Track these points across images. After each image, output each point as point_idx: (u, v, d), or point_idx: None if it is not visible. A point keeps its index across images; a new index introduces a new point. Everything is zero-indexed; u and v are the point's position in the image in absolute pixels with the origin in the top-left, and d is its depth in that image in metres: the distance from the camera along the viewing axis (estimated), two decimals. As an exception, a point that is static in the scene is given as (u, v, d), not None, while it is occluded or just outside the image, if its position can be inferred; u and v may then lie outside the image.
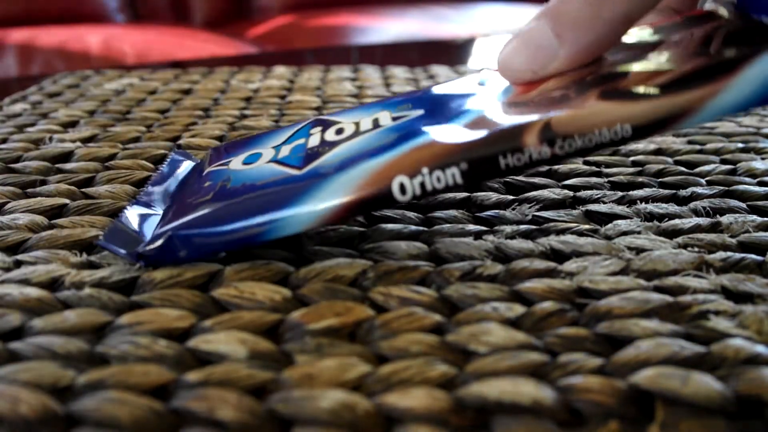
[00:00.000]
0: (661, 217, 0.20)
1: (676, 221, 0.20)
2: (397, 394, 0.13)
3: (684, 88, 0.16)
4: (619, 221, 0.20)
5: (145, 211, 0.20)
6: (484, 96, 0.20)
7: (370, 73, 0.45)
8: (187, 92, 0.39)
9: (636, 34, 0.21)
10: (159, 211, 0.20)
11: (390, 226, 0.20)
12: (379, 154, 0.17)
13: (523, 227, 0.20)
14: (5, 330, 0.15)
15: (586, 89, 0.17)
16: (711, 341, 0.14)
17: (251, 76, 0.43)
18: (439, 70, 0.47)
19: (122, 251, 0.18)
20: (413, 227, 0.20)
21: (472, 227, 0.20)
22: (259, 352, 0.14)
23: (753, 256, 0.18)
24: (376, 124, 0.19)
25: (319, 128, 0.21)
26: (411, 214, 0.21)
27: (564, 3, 0.19)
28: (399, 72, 0.45)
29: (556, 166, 0.25)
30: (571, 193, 0.22)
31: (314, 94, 0.38)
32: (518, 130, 0.17)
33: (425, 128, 0.18)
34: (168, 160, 0.23)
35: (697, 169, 0.25)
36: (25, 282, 0.17)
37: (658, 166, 0.25)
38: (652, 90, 0.16)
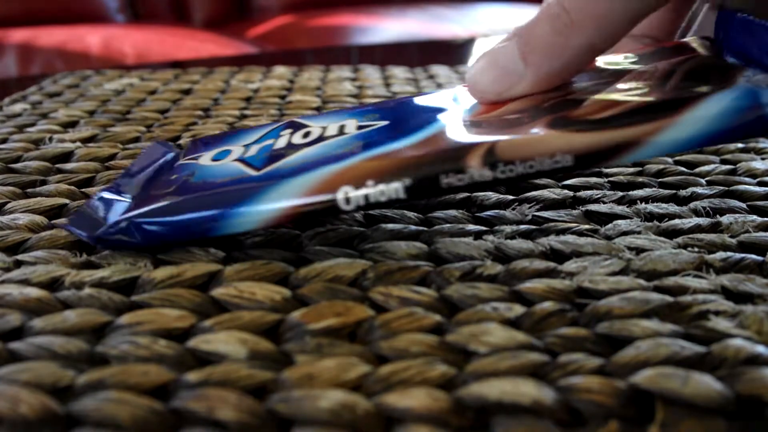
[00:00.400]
0: (661, 217, 0.20)
1: (676, 221, 0.20)
2: (397, 394, 0.13)
3: (628, 123, 0.16)
4: (619, 221, 0.20)
5: (114, 197, 0.20)
6: (450, 112, 0.20)
7: (370, 73, 0.44)
8: (187, 92, 0.39)
9: (607, 62, 0.21)
10: (128, 198, 0.20)
11: (390, 226, 0.20)
12: (331, 163, 0.18)
13: (523, 227, 0.20)
14: (5, 330, 0.15)
15: (539, 115, 0.18)
16: (711, 341, 0.14)
17: (251, 76, 0.43)
18: (439, 70, 0.47)
19: (84, 234, 0.18)
20: (413, 227, 0.20)
21: (472, 227, 0.20)
22: (259, 352, 0.14)
23: (753, 256, 0.18)
24: (341, 131, 0.20)
25: (290, 130, 0.21)
26: (411, 214, 0.21)
27: (534, 27, 0.19)
28: (399, 72, 0.45)
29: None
30: (571, 193, 0.22)
31: (314, 94, 0.38)
32: (462, 152, 0.17)
33: (380, 141, 0.19)
34: (146, 149, 0.23)
35: (697, 169, 0.25)
36: (25, 282, 0.17)
37: (658, 166, 0.25)
38: (597, 122, 0.17)
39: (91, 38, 1.08)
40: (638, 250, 0.18)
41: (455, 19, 1.30)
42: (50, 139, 0.29)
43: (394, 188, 0.17)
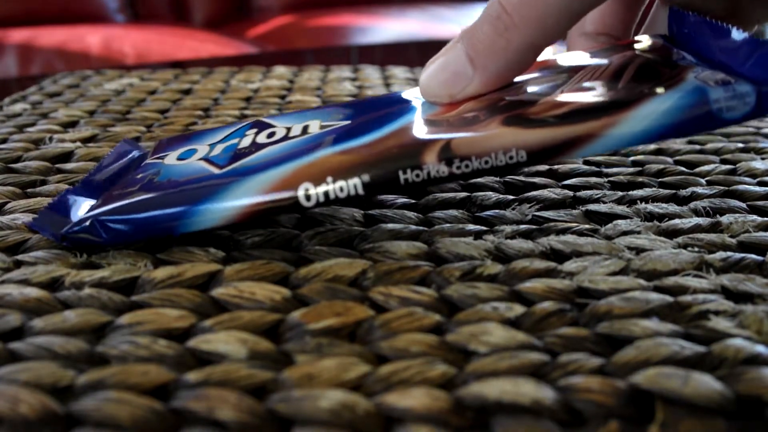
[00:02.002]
0: (661, 217, 0.20)
1: (676, 221, 0.20)
2: (397, 394, 0.13)
3: (579, 119, 0.17)
4: (619, 221, 0.20)
5: (79, 196, 0.20)
6: (410, 111, 0.20)
7: (370, 73, 0.44)
8: (187, 92, 0.39)
9: (561, 60, 0.22)
10: (94, 197, 0.20)
11: (390, 226, 0.20)
12: (292, 160, 0.18)
13: (523, 227, 0.20)
14: (5, 330, 0.15)
15: (494, 113, 0.18)
16: (711, 341, 0.14)
17: (251, 76, 0.43)
18: (439, 70, 0.47)
19: (48, 232, 0.19)
20: (413, 227, 0.20)
21: (472, 227, 0.20)
22: (259, 352, 0.14)
23: (753, 256, 0.18)
24: (304, 130, 0.20)
25: (255, 130, 0.21)
26: (411, 214, 0.21)
27: (477, 29, 0.19)
28: (399, 72, 0.45)
29: (556, 166, 0.25)
30: (571, 193, 0.22)
31: (314, 94, 0.38)
32: (419, 148, 0.17)
33: (341, 138, 0.19)
34: (114, 148, 0.24)
35: (697, 169, 0.25)
36: (25, 282, 0.17)
37: (658, 166, 0.25)
38: (549, 118, 0.17)
39: (91, 38, 1.08)
40: (638, 250, 0.18)
41: (455, 19, 1.30)
42: (50, 139, 0.29)
43: (353, 184, 0.17)
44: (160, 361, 0.14)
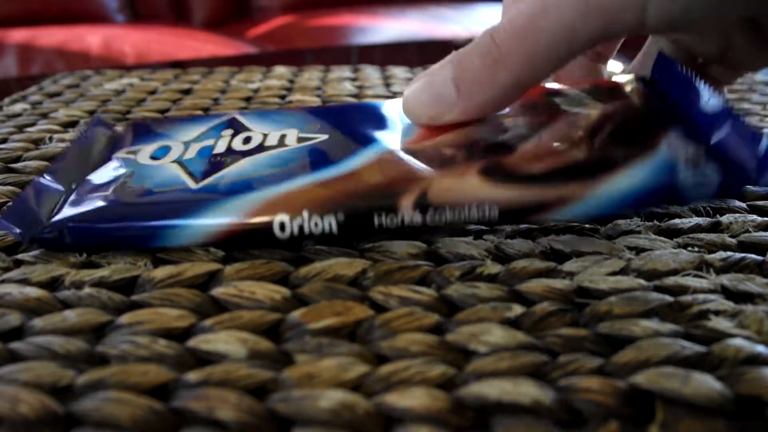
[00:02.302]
0: (661, 217, 0.20)
1: (676, 221, 0.20)
2: (397, 394, 0.13)
3: (553, 182, 0.17)
4: (619, 221, 0.20)
5: (49, 185, 0.20)
6: (389, 133, 0.20)
7: (370, 73, 0.44)
8: (187, 92, 0.39)
9: (546, 94, 0.22)
10: (62, 186, 0.20)
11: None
12: (270, 185, 0.18)
13: (523, 227, 0.20)
14: (5, 330, 0.15)
15: (472, 156, 0.18)
16: (711, 341, 0.14)
17: (251, 76, 0.43)
18: (439, 70, 0.47)
19: (17, 231, 0.18)
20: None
21: (472, 227, 0.20)
22: (259, 352, 0.14)
23: (753, 256, 0.18)
24: (281, 141, 0.20)
25: (231, 131, 0.21)
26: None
27: (467, 57, 0.19)
28: (399, 72, 0.45)
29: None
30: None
31: (314, 94, 0.38)
32: (396, 192, 0.17)
33: (319, 163, 0.19)
34: (83, 130, 0.23)
35: (697, 169, 0.25)
36: (25, 282, 0.17)
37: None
38: (523, 176, 0.18)
39: (91, 38, 1.08)
40: (638, 250, 0.18)
41: (455, 19, 1.30)
42: (50, 139, 0.29)
43: (328, 222, 0.17)
44: (160, 361, 0.14)
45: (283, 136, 0.21)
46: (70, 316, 0.15)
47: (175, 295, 0.16)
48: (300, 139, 0.20)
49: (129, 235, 0.18)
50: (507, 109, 0.21)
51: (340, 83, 0.41)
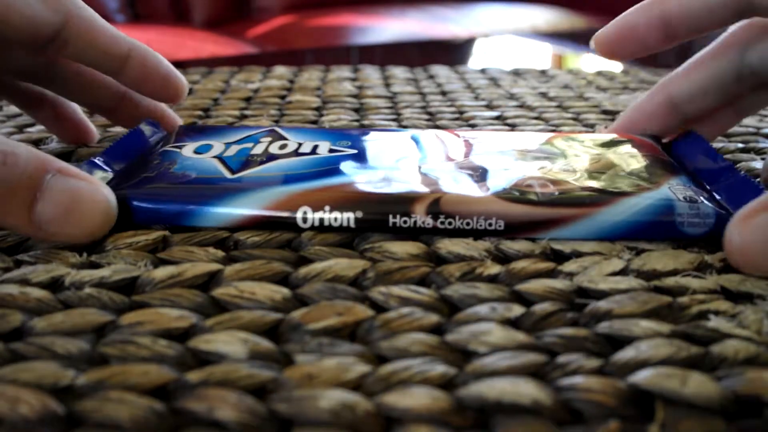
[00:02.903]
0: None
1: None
2: (397, 394, 0.13)
3: (558, 204, 0.19)
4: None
5: (100, 166, 0.21)
6: (409, 153, 0.22)
7: (370, 73, 0.45)
8: (187, 92, 0.39)
9: (568, 141, 0.24)
10: (109, 173, 0.21)
11: (390, 226, 0.20)
12: (297, 182, 0.20)
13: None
14: (5, 330, 0.15)
15: (487, 180, 0.20)
16: (711, 341, 0.14)
17: (251, 76, 0.43)
18: (439, 70, 0.47)
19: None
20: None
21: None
22: (259, 352, 0.14)
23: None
24: (314, 150, 0.22)
25: (269, 139, 0.23)
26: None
27: None
28: (399, 72, 0.45)
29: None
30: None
31: (314, 94, 0.38)
32: (412, 198, 0.19)
33: (345, 171, 0.21)
34: (137, 127, 0.24)
35: (697, 169, 0.25)
36: (25, 282, 0.17)
37: (658, 166, 0.25)
38: (533, 197, 0.19)
39: (91, 38, 1.08)
40: (638, 250, 0.18)
41: (455, 19, 1.30)
42: (50, 139, 0.29)
43: (347, 217, 0.19)
44: (161, 361, 0.14)
45: (315, 146, 0.23)
46: (71, 316, 0.15)
47: (176, 295, 0.16)
48: (331, 150, 0.22)
49: (165, 212, 0.19)
50: (526, 140, 0.24)
51: (340, 83, 0.41)
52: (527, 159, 0.22)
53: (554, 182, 0.20)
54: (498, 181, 0.20)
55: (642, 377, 0.13)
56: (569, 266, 0.17)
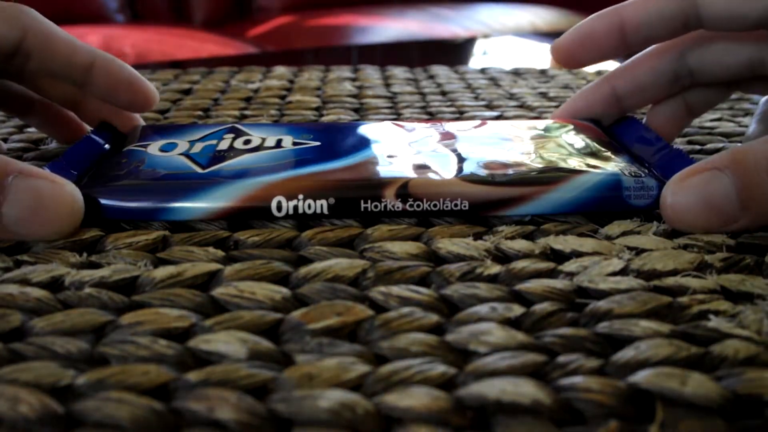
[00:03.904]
0: (661, 217, 0.20)
1: (676, 221, 0.20)
2: (397, 394, 0.13)
3: (517, 183, 0.20)
4: (619, 221, 0.20)
5: (63, 169, 0.21)
6: (373, 143, 0.23)
7: (370, 73, 0.45)
8: (187, 92, 0.39)
9: (525, 126, 0.25)
10: (75, 171, 0.21)
11: (390, 226, 0.20)
12: (269, 174, 0.20)
13: (523, 227, 0.20)
14: (5, 330, 0.15)
15: (451, 164, 0.21)
16: (711, 341, 0.14)
17: (251, 76, 0.43)
18: (439, 70, 0.47)
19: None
20: (413, 227, 0.20)
21: (472, 227, 0.20)
22: (259, 352, 0.14)
23: (753, 256, 0.18)
24: (278, 144, 0.23)
25: (232, 135, 0.24)
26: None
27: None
28: (399, 72, 0.45)
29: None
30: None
31: (314, 94, 0.38)
32: (382, 183, 0.20)
33: (313, 161, 0.21)
34: (93, 130, 0.24)
35: (697, 169, 0.25)
36: (25, 282, 0.17)
37: (658, 166, 0.25)
38: (494, 178, 0.20)
39: (91, 38, 1.08)
40: (638, 250, 0.18)
41: (455, 19, 1.30)
42: (50, 139, 0.29)
43: (320, 204, 0.20)
44: (160, 361, 0.14)
45: (279, 140, 0.23)
46: (71, 316, 0.15)
47: (175, 295, 0.16)
48: (295, 143, 0.23)
49: (141, 209, 0.20)
50: (481, 128, 0.25)
51: (340, 83, 0.41)
52: (485, 145, 0.23)
53: (511, 165, 0.21)
54: (462, 165, 0.21)
55: (642, 377, 0.13)
56: (569, 266, 0.17)
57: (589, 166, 0.21)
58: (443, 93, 0.40)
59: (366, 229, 0.20)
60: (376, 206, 0.20)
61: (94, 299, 0.16)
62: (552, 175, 0.20)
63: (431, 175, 0.20)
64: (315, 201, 0.20)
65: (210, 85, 0.40)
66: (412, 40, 1.09)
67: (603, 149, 0.23)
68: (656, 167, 0.22)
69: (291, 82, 0.42)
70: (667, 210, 0.19)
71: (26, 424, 0.12)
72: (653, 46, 0.25)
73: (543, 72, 0.47)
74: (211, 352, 0.14)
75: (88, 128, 0.28)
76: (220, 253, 0.18)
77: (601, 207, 0.20)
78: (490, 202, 0.20)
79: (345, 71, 0.45)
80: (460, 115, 0.34)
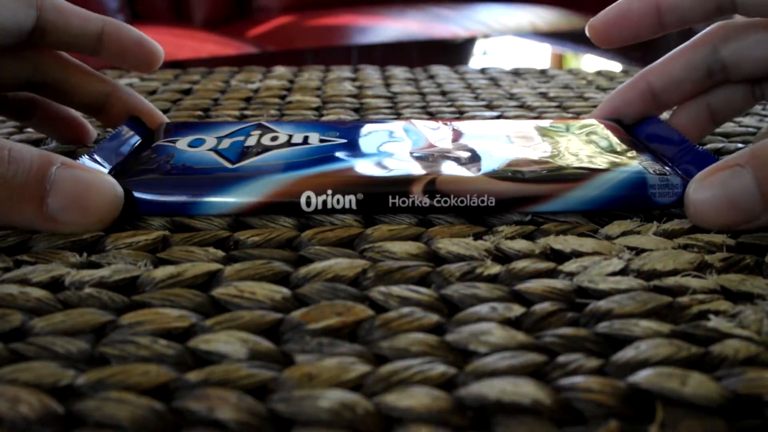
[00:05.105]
0: (660, 217, 0.20)
1: (676, 221, 0.20)
2: (397, 394, 0.13)
3: (544, 180, 0.20)
4: (619, 221, 0.20)
5: (97, 161, 0.22)
6: (400, 140, 0.23)
7: (370, 73, 0.45)
8: (187, 92, 0.39)
9: (545, 127, 0.26)
10: (107, 167, 0.22)
11: (390, 226, 0.20)
12: (298, 169, 0.21)
13: (523, 227, 0.20)
14: (5, 330, 0.15)
15: (474, 160, 0.22)
16: (711, 341, 0.14)
17: (251, 76, 0.43)
18: (439, 70, 0.47)
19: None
20: (413, 227, 0.20)
21: (472, 227, 0.20)
22: (259, 352, 0.14)
23: (753, 256, 0.18)
24: (305, 140, 0.23)
25: (259, 132, 0.24)
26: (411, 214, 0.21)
27: None
28: (399, 72, 0.45)
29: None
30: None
31: (314, 94, 0.38)
32: (409, 179, 0.20)
33: (341, 157, 0.22)
34: (122, 125, 0.25)
35: (697, 169, 0.25)
36: (25, 282, 0.17)
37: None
38: (521, 175, 0.21)
39: (91, 38, 1.08)
40: (638, 250, 0.18)
41: (455, 19, 1.30)
42: (50, 138, 0.29)
43: (349, 200, 0.20)
44: (161, 361, 0.14)
45: (306, 137, 0.23)
46: (71, 316, 0.15)
47: (176, 295, 0.16)
48: (322, 140, 0.23)
49: (170, 203, 0.20)
50: (501, 127, 0.25)
51: (340, 83, 0.41)
52: (512, 143, 0.23)
53: (538, 162, 0.21)
54: (488, 163, 0.21)
55: (642, 377, 0.13)
56: (569, 266, 0.17)
57: (613, 164, 0.21)
58: (443, 93, 0.40)
59: (366, 229, 0.20)
60: (404, 202, 0.20)
61: (94, 299, 0.16)
62: (577, 173, 0.21)
63: (458, 172, 0.21)
64: (344, 196, 0.20)
65: (210, 85, 0.40)
66: (412, 40, 1.09)
67: (627, 148, 0.23)
68: (680, 166, 0.22)
69: (291, 82, 0.42)
70: (690, 208, 0.19)
71: (26, 424, 0.12)
72: (688, 42, 0.25)
73: (543, 72, 0.47)
74: (212, 352, 0.14)
75: (90, 128, 0.28)
76: (220, 253, 0.18)
77: (627, 205, 0.20)
78: (517, 198, 0.20)
79: (345, 71, 0.45)
80: (460, 115, 0.34)
